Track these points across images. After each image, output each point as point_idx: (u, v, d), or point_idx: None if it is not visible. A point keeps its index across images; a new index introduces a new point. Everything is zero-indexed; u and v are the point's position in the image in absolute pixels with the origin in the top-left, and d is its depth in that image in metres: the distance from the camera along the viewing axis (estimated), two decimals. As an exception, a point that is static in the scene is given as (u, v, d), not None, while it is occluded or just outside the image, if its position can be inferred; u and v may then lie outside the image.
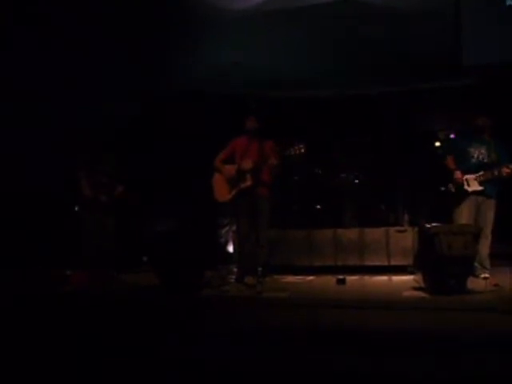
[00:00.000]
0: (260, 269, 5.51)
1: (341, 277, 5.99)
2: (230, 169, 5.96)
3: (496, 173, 5.61)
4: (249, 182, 5.82)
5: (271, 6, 6.70)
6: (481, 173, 5.68)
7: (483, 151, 5.74)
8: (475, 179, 5.70)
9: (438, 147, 7.96)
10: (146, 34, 6.71)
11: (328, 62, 7.42)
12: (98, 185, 6.38)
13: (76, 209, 6.55)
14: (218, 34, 6.78)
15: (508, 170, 5.54)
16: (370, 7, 6.56)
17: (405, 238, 6.84)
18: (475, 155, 5.76)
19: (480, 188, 5.67)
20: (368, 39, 6.93)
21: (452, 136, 7.64)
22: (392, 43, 6.93)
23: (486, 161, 5.71)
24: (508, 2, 6.58)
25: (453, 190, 5.77)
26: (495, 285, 5.23)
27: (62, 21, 6.37)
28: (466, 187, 5.70)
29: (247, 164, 5.83)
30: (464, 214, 5.67)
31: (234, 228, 6.98)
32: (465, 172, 5.73)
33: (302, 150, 5.56)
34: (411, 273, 6.28)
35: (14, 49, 6.56)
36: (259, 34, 6.95)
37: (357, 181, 8.11)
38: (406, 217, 7.45)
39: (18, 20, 6.36)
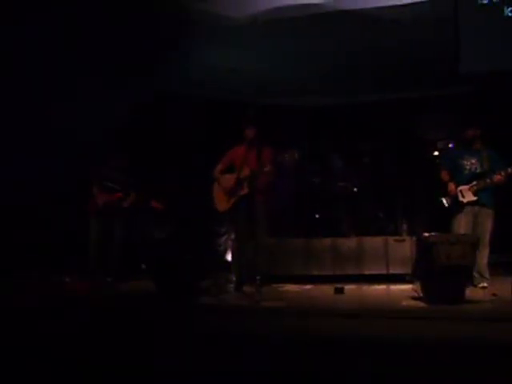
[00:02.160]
0: (258, 278, 5.51)
1: (339, 286, 5.98)
2: (229, 178, 5.96)
3: (489, 181, 5.64)
4: (245, 190, 5.82)
5: (271, 14, 6.73)
6: (474, 183, 5.70)
7: (474, 161, 5.78)
8: (469, 190, 5.71)
9: (436, 157, 7.97)
10: (145, 37, 6.73)
11: (327, 70, 7.44)
12: (108, 191, 6.39)
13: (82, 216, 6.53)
14: (216, 41, 6.81)
15: (500, 177, 5.58)
16: (368, 16, 6.58)
17: (403, 248, 6.83)
18: (467, 167, 5.80)
19: (474, 198, 5.69)
20: (367, 47, 6.96)
21: (450, 145, 7.66)
22: (391, 51, 6.95)
23: (478, 171, 5.74)
24: (506, 12, 6.62)
25: (447, 203, 5.79)
26: (493, 294, 5.24)
27: (62, 21, 6.39)
28: (460, 198, 5.72)
29: (245, 172, 5.84)
30: (462, 225, 5.68)
31: (233, 236, 6.97)
32: (459, 184, 5.76)
33: (296, 156, 5.57)
34: (410, 282, 6.27)
35: (14, 48, 6.57)
36: (258, 42, 6.98)
37: (355, 189, 8.11)
38: (405, 226, 7.45)
39: (17, 18, 6.38)
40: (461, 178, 5.78)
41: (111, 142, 6.76)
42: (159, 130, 7.99)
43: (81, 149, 6.94)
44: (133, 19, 6.53)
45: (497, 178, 5.59)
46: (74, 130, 7.07)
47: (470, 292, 5.14)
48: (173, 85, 7.86)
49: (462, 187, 5.74)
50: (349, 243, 7.08)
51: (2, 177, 6.85)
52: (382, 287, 6.49)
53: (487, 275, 5.64)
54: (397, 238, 7.05)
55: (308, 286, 6.59)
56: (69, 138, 7.09)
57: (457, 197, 5.74)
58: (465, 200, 5.71)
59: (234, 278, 6.22)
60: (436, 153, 8.04)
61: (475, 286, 5.52)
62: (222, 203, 6.02)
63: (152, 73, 7.46)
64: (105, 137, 6.93)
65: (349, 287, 6.17)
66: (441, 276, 4.95)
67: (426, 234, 5.19)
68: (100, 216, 6.40)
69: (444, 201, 5.82)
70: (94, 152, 6.76)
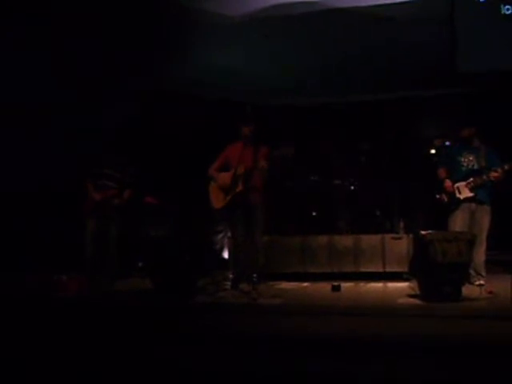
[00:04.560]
0: (255, 275, 5.51)
1: (336, 283, 5.99)
2: (225, 176, 5.94)
3: (485, 177, 5.65)
4: (240, 187, 5.79)
5: (268, 12, 6.72)
6: (471, 179, 5.72)
7: (472, 158, 5.79)
8: (466, 186, 5.73)
9: (433, 154, 7.99)
10: (144, 37, 6.72)
11: (325, 69, 7.44)
12: (104, 189, 6.38)
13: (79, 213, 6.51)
14: (214, 39, 6.80)
15: (496, 174, 5.59)
16: (366, 15, 6.58)
17: (400, 245, 6.84)
18: (465, 164, 5.81)
19: (471, 194, 5.70)
20: (365, 46, 6.95)
21: (447, 143, 7.67)
22: (388, 50, 6.95)
23: (475, 168, 5.75)
24: (503, 11, 6.61)
25: (445, 199, 5.80)
26: (490, 292, 5.24)
27: (62, 22, 6.38)
28: (457, 195, 5.74)
29: (239, 169, 5.81)
30: (458, 222, 5.69)
31: (230, 234, 6.97)
32: (456, 181, 5.77)
33: (292, 151, 5.55)
34: (406, 280, 6.28)
35: (15, 49, 6.56)
36: (255, 40, 6.97)
37: (352, 187, 8.12)
38: (402, 224, 7.45)
39: (18, 20, 6.37)
40: (458, 175, 5.80)
41: (110, 140, 6.73)
42: (158, 128, 7.97)
43: (80, 148, 6.93)
44: (131, 18, 6.52)
45: (493, 174, 5.61)
46: (73, 130, 7.07)
47: (466, 290, 5.14)
48: (170, 84, 7.85)
49: (458, 184, 5.75)
50: (346, 241, 7.08)
51: (2, 175, 6.84)
52: (379, 285, 6.50)
53: (483, 273, 5.65)
54: (394, 235, 7.06)
55: (305, 284, 6.60)
56: (68, 137, 7.08)
57: (454, 194, 5.76)
58: (461, 196, 5.73)
59: (230, 276, 6.22)
60: (433, 151, 8.06)
61: (472, 283, 5.53)
62: (218, 201, 5.99)
63: (152, 73, 7.45)
64: (104, 136, 6.91)
65: (345, 285, 6.18)
66: (437, 274, 4.96)
67: (423, 232, 5.20)
68: (96, 214, 6.37)
69: (441, 197, 5.83)
70: (93, 151, 6.74)
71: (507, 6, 6.71)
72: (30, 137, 6.97)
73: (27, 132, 6.97)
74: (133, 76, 7.30)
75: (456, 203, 5.74)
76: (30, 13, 6.17)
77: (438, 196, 5.86)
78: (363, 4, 6.63)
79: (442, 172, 5.93)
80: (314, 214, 8.10)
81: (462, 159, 5.83)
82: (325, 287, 6.10)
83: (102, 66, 6.95)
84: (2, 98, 6.64)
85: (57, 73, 6.78)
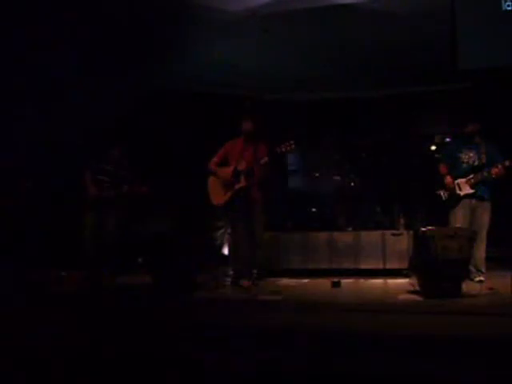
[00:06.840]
0: (255, 271, 5.52)
1: (336, 280, 5.99)
2: (225, 171, 5.94)
3: (486, 174, 5.65)
4: (243, 183, 5.80)
5: (269, 8, 6.70)
6: (471, 176, 5.72)
7: (472, 155, 5.80)
8: (466, 182, 5.73)
9: (433, 151, 7.99)
10: (142, 34, 6.71)
11: (326, 65, 7.43)
12: (102, 183, 6.38)
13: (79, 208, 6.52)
14: (214, 35, 6.78)
15: (497, 170, 5.58)
16: (366, 11, 6.56)
17: (400, 242, 6.85)
18: (465, 160, 5.81)
19: (471, 191, 5.71)
20: (366, 42, 6.94)
21: (448, 139, 7.67)
22: (390, 46, 6.94)
23: (476, 164, 5.76)
24: (504, 7, 6.58)
25: (445, 196, 5.81)
26: (490, 288, 5.24)
27: (62, 22, 6.37)
28: (457, 191, 5.74)
29: (241, 165, 5.82)
30: (458, 218, 5.70)
31: (230, 230, 6.96)
32: (457, 177, 5.77)
33: (293, 146, 5.56)
34: (406, 276, 6.28)
35: (14, 48, 6.56)
36: (257, 36, 6.95)
37: (352, 184, 8.12)
38: (402, 220, 7.45)
39: (17, 20, 6.36)
40: (459, 172, 5.80)
41: (110, 140, 6.74)
42: (157, 125, 7.97)
43: (80, 147, 6.94)
44: (131, 16, 6.51)
45: (494, 170, 5.60)
46: (72, 126, 7.06)
47: (466, 286, 5.14)
48: (171, 82, 7.84)
49: (459, 180, 5.76)
50: (346, 237, 7.09)
51: (2, 174, 6.85)
52: (379, 281, 6.51)
53: (484, 269, 5.65)
54: (394, 232, 7.05)
55: (305, 280, 6.60)
56: (68, 136, 7.08)
57: (454, 190, 5.76)
58: (462, 193, 5.73)
59: (231, 272, 6.23)
60: (433, 147, 8.06)
61: (472, 280, 5.53)
62: (218, 196, 6.00)
63: (152, 69, 7.44)
64: (103, 134, 6.92)
65: (346, 281, 6.19)
66: (437, 270, 4.95)
67: (423, 228, 5.20)
68: (94, 210, 6.38)
69: (441, 194, 5.84)
70: (92, 149, 6.75)
71: (508, 2, 6.69)
72: (29, 132, 6.97)
73: (26, 128, 6.97)
74: (132, 76, 7.29)
75: (456, 200, 5.74)
76: (30, 12, 6.15)
77: (438, 192, 5.87)
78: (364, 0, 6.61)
79: (442, 168, 5.93)
80: (314, 210, 8.10)
81: (462, 156, 5.83)
82: (325, 283, 6.10)
83: (102, 65, 6.94)
84: (5, 94, 6.64)
85: (56, 73, 6.77)
